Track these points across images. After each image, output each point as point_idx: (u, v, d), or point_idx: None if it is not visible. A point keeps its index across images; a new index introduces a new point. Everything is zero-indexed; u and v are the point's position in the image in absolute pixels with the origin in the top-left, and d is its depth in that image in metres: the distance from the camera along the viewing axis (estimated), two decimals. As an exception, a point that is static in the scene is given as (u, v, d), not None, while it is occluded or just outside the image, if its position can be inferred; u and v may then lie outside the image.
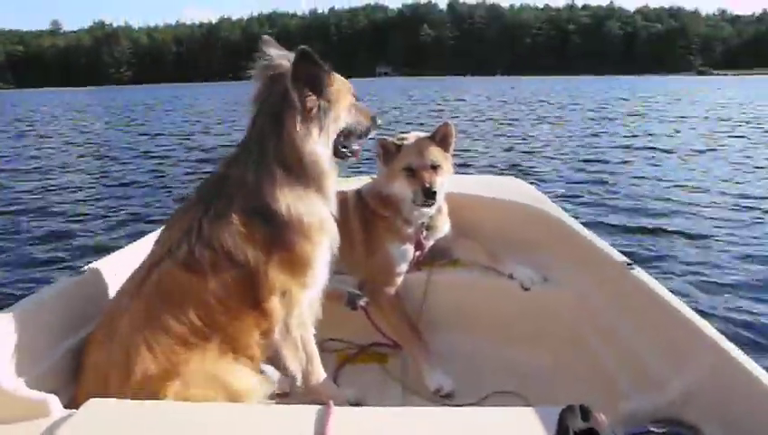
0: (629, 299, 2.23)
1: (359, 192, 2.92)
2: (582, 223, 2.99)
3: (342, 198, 2.56)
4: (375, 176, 3.02)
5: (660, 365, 1.88)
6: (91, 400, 1.66)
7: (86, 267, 2.44)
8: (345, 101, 1.99)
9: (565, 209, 3.25)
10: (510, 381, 2.44)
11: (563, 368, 2.53)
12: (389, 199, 2.76)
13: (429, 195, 2.61)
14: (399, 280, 2.74)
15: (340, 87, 1.97)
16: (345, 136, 2.03)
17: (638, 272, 2.22)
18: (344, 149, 2.06)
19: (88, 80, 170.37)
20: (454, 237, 2.97)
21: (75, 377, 1.97)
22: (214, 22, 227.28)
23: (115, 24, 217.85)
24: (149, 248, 2.09)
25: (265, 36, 2.12)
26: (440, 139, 2.76)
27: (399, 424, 1.53)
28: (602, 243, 2.61)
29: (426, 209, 2.71)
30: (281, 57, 2.00)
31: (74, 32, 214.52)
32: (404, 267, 2.75)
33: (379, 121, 2.19)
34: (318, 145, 1.89)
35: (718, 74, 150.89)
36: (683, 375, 1.74)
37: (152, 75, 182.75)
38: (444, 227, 2.94)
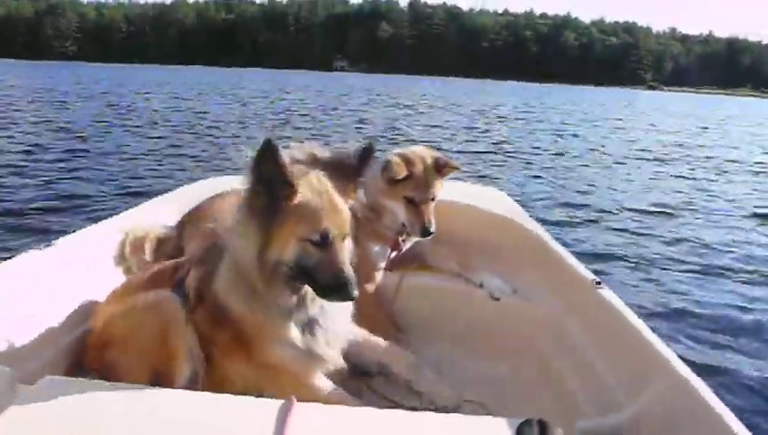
0: (595, 318, 2.30)
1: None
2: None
3: None
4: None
5: (619, 385, 1.93)
6: (46, 377, 1.70)
7: (56, 241, 2.55)
8: (296, 230, 1.79)
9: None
10: (472, 389, 2.41)
11: (525, 381, 2.55)
12: (379, 209, 2.89)
13: (426, 233, 2.78)
14: (378, 278, 2.84)
15: (298, 212, 1.78)
16: (294, 269, 1.84)
17: (606, 292, 2.30)
18: (289, 276, 1.87)
19: (28, 53, 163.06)
20: (429, 243, 3.03)
21: (40, 352, 2.09)
22: (168, 3, 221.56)
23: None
24: (124, 224, 2.69)
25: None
26: (445, 170, 2.89)
27: (358, 424, 1.55)
28: (574, 260, 2.71)
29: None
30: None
31: (16, 0, 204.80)
32: (381, 265, 2.88)
33: (354, 295, 1.84)
34: (247, 252, 1.84)
35: (668, 90, 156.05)
36: (639, 397, 1.77)
37: (99, 53, 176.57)
38: None
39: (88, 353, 2.15)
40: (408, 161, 2.82)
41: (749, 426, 1.44)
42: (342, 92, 43.45)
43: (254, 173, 1.74)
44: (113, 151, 12.49)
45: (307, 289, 1.93)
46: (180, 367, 1.95)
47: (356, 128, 19.72)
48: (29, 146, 12.60)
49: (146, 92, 33.37)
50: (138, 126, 17.29)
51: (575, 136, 21.03)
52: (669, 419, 1.65)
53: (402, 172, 2.77)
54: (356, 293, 1.80)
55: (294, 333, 1.96)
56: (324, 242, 1.80)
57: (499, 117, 27.68)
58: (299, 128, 18.51)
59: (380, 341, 2.39)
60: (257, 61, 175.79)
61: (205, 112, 22.12)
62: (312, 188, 1.82)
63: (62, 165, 10.75)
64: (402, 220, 2.84)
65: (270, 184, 1.74)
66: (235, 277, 1.92)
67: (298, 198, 1.77)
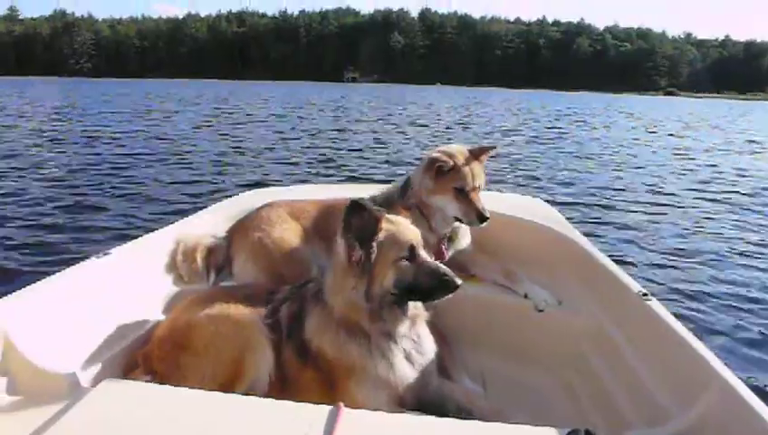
0: (642, 330, 2.30)
1: (387, 198, 3.06)
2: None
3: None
4: (392, 183, 3.23)
5: (667, 398, 1.92)
6: (107, 380, 1.77)
7: (112, 250, 2.68)
8: (389, 256, 2.01)
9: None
10: (518, 399, 2.46)
11: (572, 391, 2.57)
12: (428, 209, 2.96)
13: (483, 219, 2.87)
14: None
15: (386, 241, 2.01)
16: (398, 289, 2.04)
17: (654, 303, 2.30)
18: (395, 302, 2.06)
19: (44, 69, 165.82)
20: (472, 253, 3.11)
21: (99, 355, 2.17)
22: (180, 17, 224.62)
23: (78, 14, 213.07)
24: (176, 234, 2.78)
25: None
26: (484, 158, 3.00)
27: (404, 430, 1.59)
28: (620, 271, 2.71)
29: (458, 224, 2.98)
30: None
31: (33, 19, 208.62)
32: None
33: (458, 284, 2.06)
34: (353, 295, 2.02)
35: (685, 95, 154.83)
36: (688, 410, 1.76)
37: (113, 68, 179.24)
38: (464, 239, 3.12)
39: (153, 352, 2.24)
40: (449, 155, 2.94)
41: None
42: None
43: (347, 229, 1.99)
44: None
45: (406, 321, 2.10)
46: (246, 386, 2.06)
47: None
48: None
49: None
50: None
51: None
52: (723, 430, 1.63)
53: (449, 162, 2.89)
54: (459, 281, 2.02)
55: (383, 370, 2.05)
56: (413, 254, 2.03)
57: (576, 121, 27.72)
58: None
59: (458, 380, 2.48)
60: (269, 73, 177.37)
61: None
62: (384, 220, 2.06)
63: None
64: (455, 213, 2.91)
65: (360, 231, 1.98)
66: (329, 322, 2.08)
67: (382, 232, 2.01)
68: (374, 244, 1.98)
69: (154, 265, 2.84)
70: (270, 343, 2.15)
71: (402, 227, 2.08)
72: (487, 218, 2.87)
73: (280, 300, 2.30)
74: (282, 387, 2.11)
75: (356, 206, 1.98)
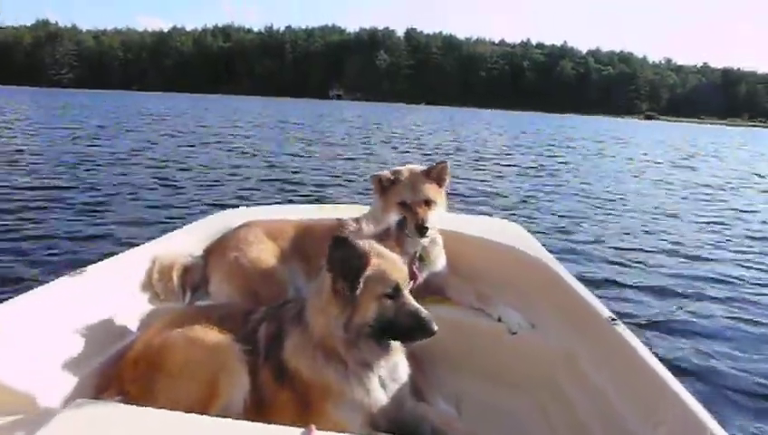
0: (610, 355, 2.35)
1: (358, 221, 3.06)
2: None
3: (341, 226, 2.91)
4: (370, 206, 3.22)
5: (632, 419, 1.99)
6: (78, 399, 1.76)
7: (87, 268, 2.65)
8: (374, 291, 2.04)
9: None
10: (492, 421, 2.50)
11: (545, 414, 2.62)
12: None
13: (421, 230, 2.86)
14: None
15: (373, 276, 2.04)
16: (378, 324, 2.06)
17: (621, 328, 2.36)
18: (372, 335, 2.08)
19: (22, 78, 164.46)
20: (447, 276, 3.12)
21: (71, 374, 2.14)
22: (165, 31, 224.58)
23: (61, 24, 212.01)
24: (152, 252, 2.86)
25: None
26: (435, 175, 3.00)
27: None
28: (590, 295, 2.76)
29: (417, 240, 2.92)
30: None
31: (15, 28, 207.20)
32: None
33: (433, 330, 2.07)
34: (332, 323, 2.05)
35: (665, 120, 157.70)
36: (651, 430, 1.86)
37: (95, 80, 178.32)
38: (438, 261, 3.11)
39: (125, 371, 2.22)
40: (393, 172, 3.01)
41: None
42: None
43: (332, 262, 2.01)
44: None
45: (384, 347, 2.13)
46: (220, 409, 2.04)
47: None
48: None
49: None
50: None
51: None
52: None
53: (388, 176, 2.97)
54: (436, 327, 2.02)
55: (359, 394, 2.07)
56: (397, 293, 2.05)
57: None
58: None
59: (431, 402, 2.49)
60: (254, 89, 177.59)
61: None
62: (375, 253, 2.08)
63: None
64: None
65: (346, 265, 2.00)
66: (308, 344, 2.10)
67: (371, 267, 2.03)
68: (361, 279, 2.00)
69: (129, 284, 2.83)
70: (245, 367, 2.14)
71: (390, 263, 2.10)
72: (426, 229, 2.87)
73: (257, 320, 2.30)
74: (257, 410, 2.11)
75: (340, 241, 2.00)
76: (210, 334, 2.19)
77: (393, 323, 2.04)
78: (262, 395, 2.15)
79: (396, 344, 2.19)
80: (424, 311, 2.06)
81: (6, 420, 1.76)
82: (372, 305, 2.02)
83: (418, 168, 3.05)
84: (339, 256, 2.00)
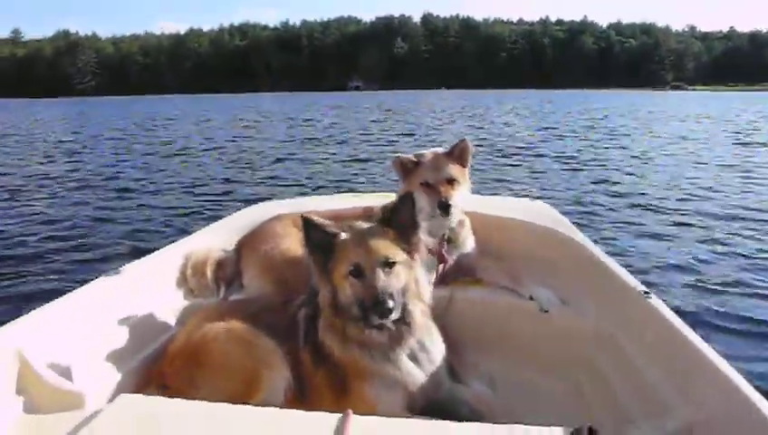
0: (644, 327, 2.33)
1: (384, 207, 2.98)
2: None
3: (370, 214, 2.90)
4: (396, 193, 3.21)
5: (669, 394, 1.97)
6: (122, 395, 1.82)
7: (123, 267, 2.76)
8: (340, 270, 2.06)
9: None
10: (527, 400, 2.50)
11: (577, 391, 2.62)
12: None
13: (444, 207, 2.87)
14: (427, 292, 2.66)
15: (338, 256, 2.08)
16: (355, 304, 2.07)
17: (655, 301, 2.33)
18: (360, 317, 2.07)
19: (48, 90, 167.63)
20: (477, 257, 3.14)
21: (113, 371, 2.25)
22: (182, 33, 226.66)
23: (81, 34, 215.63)
24: (185, 249, 2.92)
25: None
26: (457, 154, 3.02)
27: None
28: (622, 270, 2.73)
29: (444, 221, 2.96)
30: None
31: (37, 40, 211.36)
32: (430, 278, 2.81)
33: (389, 307, 2.01)
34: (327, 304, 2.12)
35: (692, 90, 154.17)
36: (690, 405, 1.83)
37: (117, 87, 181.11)
38: (467, 242, 3.14)
39: (166, 367, 2.28)
40: (416, 155, 3.07)
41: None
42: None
43: (307, 241, 2.11)
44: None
45: (404, 326, 2.11)
46: (261, 402, 2.05)
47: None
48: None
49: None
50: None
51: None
52: (721, 425, 1.69)
53: (410, 159, 3.03)
54: (390, 306, 1.96)
55: (391, 370, 2.08)
56: (359, 272, 2.03)
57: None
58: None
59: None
60: (272, 85, 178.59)
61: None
62: (350, 232, 2.13)
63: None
64: (425, 207, 2.85)
65: (318, 247, 2.10)
66: (331, 322, 2.13)
67: (338, 244, 2.09)
68: (330, 258, 2.08)
69: (164, 281, 2.90)
70: (284, 360, 2.17)
71: (355, 240, 2.09)
72: (450, 207, 2.88)
73: (297, 306, 2.35)
74: (299, 396, 2.15)
75: (308, 224, 2.10)
76: (249, 329, 2.22)
77: (361, 302, 2.03)
78: (303, 381, 2.18)
79: (422, 323, 2.16)
80: (385, 292, 1.99)
81: (53, 417, 1.83)
82: (345, 283, 2.06)
83: (441, 150, 3.09)
84: (310, 237, 2.10)
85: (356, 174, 13.73)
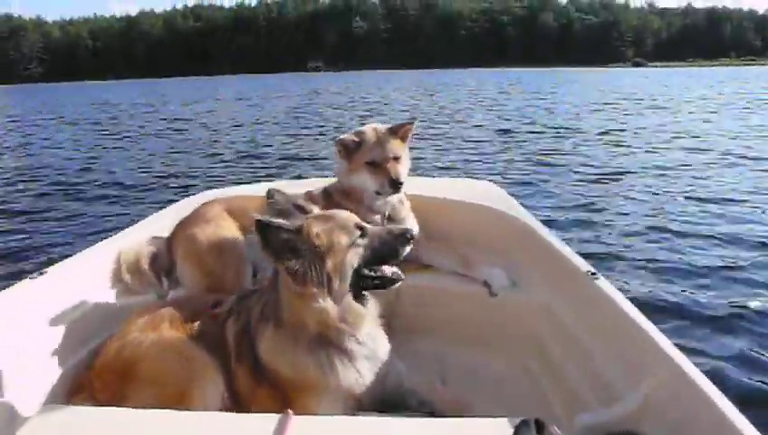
0: (592, 309, 2.32)
1: (325, 190, 3.08)
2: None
3: (310, 197, 2.82)
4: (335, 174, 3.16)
5: (619, 377, 1.96)
6: (48, 405, 1.81)
7: (48, 268, 2.60)
8: (338, 246, 1.94)
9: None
10: (479, 388, 2.50)
11: (527, 376, 2.63)
12: (353, 192, 2.96)
13: (395, 185, 2.87)
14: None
15: (328, 235, 1.94)
16: (370, 265, 2.02)
17: (602, 282, 2.33)
18: (376, 280, 2.05)
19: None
20: (423, 241, 3.02)
21: (40, 381, 2.16)
22: (133, 15, 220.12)
23: (26, 17, 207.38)
24: (116, 246, 2.81)
25: (271, 188, 2.28)
26: (401, 132, 3.01)
27: (354, 433, 1.63)
28: (569, 251, 2.73)
29: (389, 198, 2.94)
30: (288, 202, 2.16)
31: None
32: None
33: (413, 233, 2.11)
34: (321, 302, 1.92)
35: (652, 66, 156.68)
36: (640, 388, 1.81)
37: (66, 72, 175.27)
38: (407, 221, 3.07)
39: (96, 381, 2.17)
40: (356, 133, 3.00)
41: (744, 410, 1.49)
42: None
43: (270, 249, 1.89)
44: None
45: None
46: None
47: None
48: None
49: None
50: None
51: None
52: (669, 408, 1.69)
53: (352, 138, 2.96)
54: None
55: (345, 380, 2.00)
56: (363, 231, 2.01)
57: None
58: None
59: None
60: (230, 67, 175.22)
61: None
62: (318, 218, 2.03)
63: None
64: (372, 187, 2.91)
65: (285, 245, 1.88)
66: (285, 342, 2.00)
67: (315, 235, 1.92)
68: (316, 250, 1.90)
69: (94, 281, 2.78)
70: (218, 373, 2.10)
71: (337, 219, 2.03)
72: (401, 183, 2.88)
73: (224, 314, 2.25)
74: (235, 411, 2.06)
75: (263, 226, 1.87)
76: (182, 339, 2.15)
77: (379, 252, 2.02)
78: (239, 396, 2.11)
79: (371, 316, 2.11)
80: (391, 226, 2.23)
81: None
82: (349, 257, 1.95)
83: (381, 126, 3.05)
84: (272, 240, 1.87)
85: (307, 158, 13.63)
